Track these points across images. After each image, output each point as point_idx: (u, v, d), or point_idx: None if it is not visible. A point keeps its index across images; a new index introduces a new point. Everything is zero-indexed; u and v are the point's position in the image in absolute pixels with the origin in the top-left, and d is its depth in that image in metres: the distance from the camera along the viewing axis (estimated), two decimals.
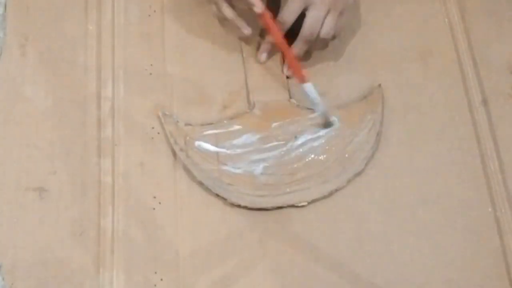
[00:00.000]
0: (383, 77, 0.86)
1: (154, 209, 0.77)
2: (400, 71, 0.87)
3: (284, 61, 0.84)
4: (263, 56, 0.84)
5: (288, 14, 0.81)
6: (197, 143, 0.79)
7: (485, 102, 0.86)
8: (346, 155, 0.79)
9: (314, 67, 0.86)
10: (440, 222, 0.79)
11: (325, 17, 0.80)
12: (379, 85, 0.84)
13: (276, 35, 0.80)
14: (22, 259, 0.73)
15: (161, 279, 0.74)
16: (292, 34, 0.82)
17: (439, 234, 0.78)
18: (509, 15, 0.92)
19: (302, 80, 0.81)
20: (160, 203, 0.77)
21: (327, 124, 0.81)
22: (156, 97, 0.83)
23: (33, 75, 0.83)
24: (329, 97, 0.84)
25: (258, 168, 0.78)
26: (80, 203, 0.76)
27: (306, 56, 0.85)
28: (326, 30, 0.81)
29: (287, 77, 0.84)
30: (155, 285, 0.73)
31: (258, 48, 0.85)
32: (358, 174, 0.79)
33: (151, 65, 0.85)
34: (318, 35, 0.81)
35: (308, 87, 0.80)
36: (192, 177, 0.78)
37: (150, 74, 0.84)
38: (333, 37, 0.83)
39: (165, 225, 0.76)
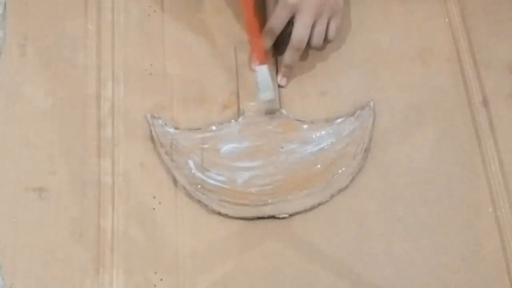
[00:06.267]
0: (383, 77, 0.86)
1: (154, 209, 0.77)
2: (400, 71, 0.87)
3: (277, 71, 0.84)
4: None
5: (276, 22, 0.81)
6: (182, 147, 0.79)
7: (485, 102, 0.86)
8: (332, 170, 0.79)
9: (314, 67, 0.86)
10: (440, 222, 0.78)
11: (313, 24, 0.80)
12: (371, 101, 0.83)
13: (248, 12, 0.80)
14: (22, 259, 0.73)
15: (161, 279, 0.74)
16: (281, 42, 0.83)
17: (439, 234, 0.78)
18: (510, 15, 0.91)
19: (261, 61, 0.80)
20: (160, 203, 0.77)
21: (269, 111, 0.80)
22: (156, 97, 0.83)
23: (32, 75, 0.83)
24: (329, 97, 0.84)
25: (242, 177, 0.78)
26: (80, 203, 0.76)
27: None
28: (316, 40, 0.82)
29: (279, 86, 0.84)
30: (155, 286, 0.73)
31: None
32: (343, 189, 0.79)
33: (151, 65, 0.85)
34: (308, 42, 0.82)
35: (263, 69, 0.80)
36: (175, 182, 0.77)
37: (150, 74, 0.84)
38: (328, 42, 0.83)
39: (165, 225, 0.76)
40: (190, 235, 0.76)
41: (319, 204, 0.78)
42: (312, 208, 0.78)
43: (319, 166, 0.79)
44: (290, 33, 0.82)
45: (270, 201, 0.77)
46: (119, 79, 0.83)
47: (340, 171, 0.79)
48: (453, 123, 0.84)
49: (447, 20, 0.91)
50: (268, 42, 0.83)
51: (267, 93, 0.80)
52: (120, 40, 0.86)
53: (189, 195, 0.77)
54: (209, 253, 0.75)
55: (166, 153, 0.78)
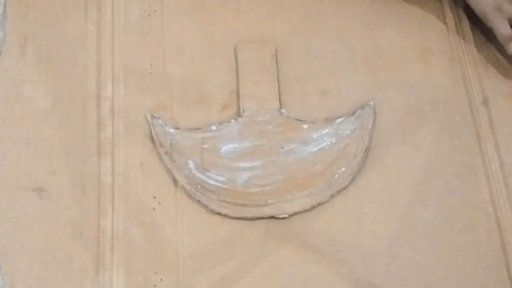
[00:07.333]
0: (383, 76, 0.86)
1: (154, 209, 0.77)
2: (400, 71, 0.87)
3: None
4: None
5: None
6: (182, 147, 0.79)
7: (485, 101, 0.86)
8: (332, 170, 0.79)
9: (314, 67, 0.86)
10: (440, 222, 0.78)
11: None
12: (371, 101, 0.83)
13: None
14: (22, 259, 0.73)
15: (161, 279, 0.74)
16: None
17: (439, 234, 0.78)
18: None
19: None
20: (160, 203, 0.77)
21: None
22: (156, 97, 0.83)
23: (32, 74, 0.82)
24: (329, 96, 0.84)
25: (242, 177, 0.78)
26: (79, 203, 0.76)
27: None
28: None
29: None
30: (155, 286, 0.73)
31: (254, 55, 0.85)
32: (343, 189, 0.79)
33: (151, 64, 0.85)
34: None
35: None
36: (175, 182, 0.78)
37: (150, 73, 0.84)
38: None
39: (165, 225, 0.76)
40: (190, 235, 0.76)
41: (319, 204, 0.78)
42: (312, 208, 0.78)
43: (319, 166, 0.79)
44: None
45: (270, 201, 0.77)
46: (119, 79, 0.83)
47: (340, 171, 0.79)
48: (453, 123, 0.84)
49: (447, 20, 0.91)
50: None
51: None
52: (120, 40, 0.86)
53: (189, 195, 0.77)
54: (209, 253, 0.75)
55: (166, 153, 0.79)
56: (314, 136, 0.81)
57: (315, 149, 0.80)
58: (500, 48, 0.89)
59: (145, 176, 0.78)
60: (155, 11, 0.88)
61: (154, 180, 0.78)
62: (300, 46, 0.87)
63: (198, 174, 0.78)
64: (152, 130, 0.80)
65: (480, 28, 0.90)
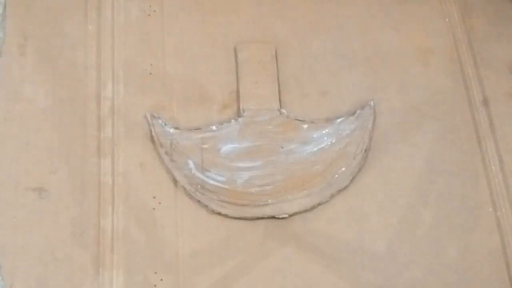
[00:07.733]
0: (383, 76, 0.86)
1: (154, 209, 0.77)
2: (400, 71, 0.87)
3: None
4: None
5: None
6: (182, 147, 0.79)
7: (485, 101, 0.86)
8: (332, 170, 0.79)
9: (314, 67, 0.86)
10: (440, 222, 0.78)
11: None
12: (372, 101, 0.84)
13: None
14: (22, 259, 0.73)
15: (161, 279, 0.74)
16: None
17: (439, 234, 0.78)
18: (510, 15, 0.91)
19: None
20: (160, 203, 0.77)
21: None
22: (156, 97, 0.83)
23: (32, 74, 0.83)
24: (330, 96, 0.84)
25: (242, 177, 0.78)
26: (80, 203, 0.76)
27: None
28: None
29: None
30: (155, 286, 0.73)
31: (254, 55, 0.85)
32: (343, 189, 0.79)
33: (151, 65, 0.85)
34: None
35: None
36: (175, 182, 0.78)
37: (150, 74, 0.84)
38: None
39: (165, 225, 0.76)
40: (190, 235, 0.76)
41: (319, 204, 0.78)
42: (312, 208, 0.78)
43: (319, 166, 0.80)
44: None
45: (270, 201, 0.77)
46: (119, 79, 0.83)
47: (340, 171, 0.80)
48: (453, 123, 0.84)
49: (447, 20, 0.91)
50: None
51: None
52: (120, 40, 0.86)
53: (189, 195, 0.77)
54: (209, 253, 0.75)
55: (166, 153, 0.79)
56: (314, 136, 0.81)
57: (315, 149, 0.81)
58: (500, 48, 0.89)
59: (145, 176, 0.79)
60: (155, 11, 0.88)
61: (154, 180, 0.78)
62: (300, 46, 0.87)
63: (198, 174, 0.78)
64: (152, 130, 0.80)
65: (480, 28, 0.90)
